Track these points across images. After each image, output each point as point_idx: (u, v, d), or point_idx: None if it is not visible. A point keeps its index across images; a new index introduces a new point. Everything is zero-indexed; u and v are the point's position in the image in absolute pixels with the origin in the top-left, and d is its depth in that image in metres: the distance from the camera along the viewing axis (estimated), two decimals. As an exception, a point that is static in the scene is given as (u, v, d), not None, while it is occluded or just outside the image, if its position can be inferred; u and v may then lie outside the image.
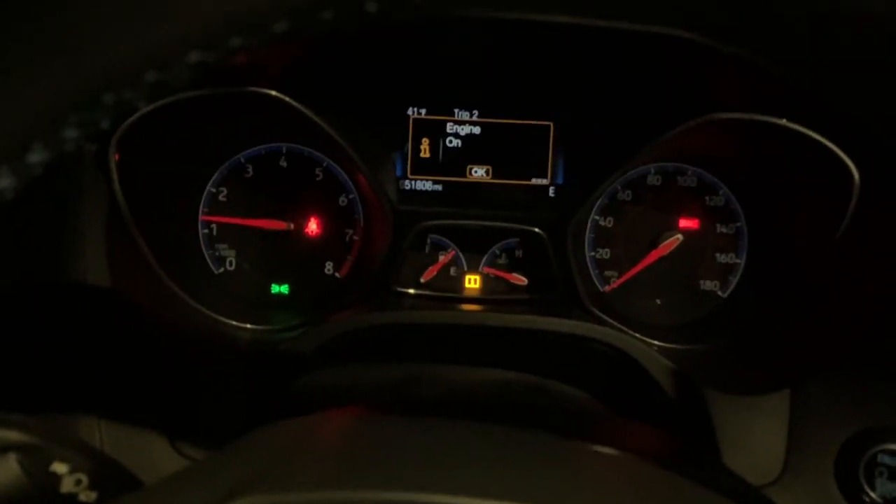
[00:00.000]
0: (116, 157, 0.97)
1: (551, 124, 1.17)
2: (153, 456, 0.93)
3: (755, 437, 0.95)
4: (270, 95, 1.00)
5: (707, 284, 1.22)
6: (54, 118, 0.35)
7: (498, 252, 1.20)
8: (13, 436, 0.60)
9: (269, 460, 0.56)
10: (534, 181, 1.19)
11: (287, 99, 1.01)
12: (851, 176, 0.98)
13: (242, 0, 0.32)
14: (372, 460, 0.57)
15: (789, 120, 0.97)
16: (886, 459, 0.88)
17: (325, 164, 1.21)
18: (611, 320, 1.12)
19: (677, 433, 0.93)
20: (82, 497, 0.63)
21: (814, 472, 0.92)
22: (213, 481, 0.51)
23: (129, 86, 0.35)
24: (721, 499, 0.58)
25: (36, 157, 0.36)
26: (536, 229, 1.13)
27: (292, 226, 1.21)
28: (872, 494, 0.88)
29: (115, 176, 0.99)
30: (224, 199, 1.21)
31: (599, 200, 1.20)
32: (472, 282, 1.21)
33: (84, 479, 0.64)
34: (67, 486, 0.63)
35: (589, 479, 0.59)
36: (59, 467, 0.63)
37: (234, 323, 1.14)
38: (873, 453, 0.88)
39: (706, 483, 0.61)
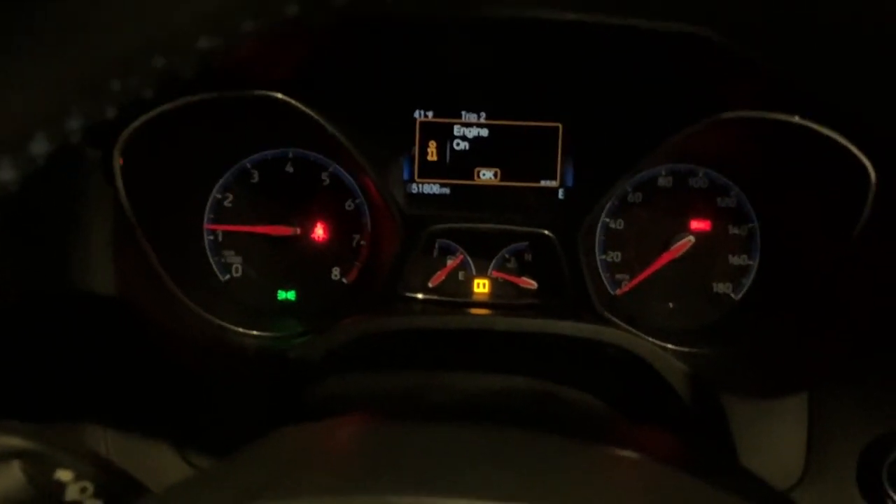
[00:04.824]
0: (121, 161, 0.96)
1: (560, 126, 1.15)
2: (160, 465, 0.92)
3: (774, 441, 0.94)
4: (276, 98, 0.99)
5: (720, 287, 1.20)
6: (57, 106, 0.34)
7: (507, 256, 1.19)
8: (16, 442, 0.59)
9: (281, 466, 0.54)
10: (543, 183, 1.17)
11: (293, 102, 1.00)
12: (868, 174, 0.96)
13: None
14: (385, 464, 0.56)
15: (802, 117, 0.95)
16: (911, 463, 0.86)
17: (331, 169, 1.20)
18: (622, 324, 1.10)
19: (694, 437, 0.92)
20: (87, 505, 0.62)
21: (835, 476, 0.91)
22: (224, 486, 0.50)
23: (135, 72, 0.34)
24: (743, 500, 0.56)
25: (38, 147, 0.35)
26: (546, 231, 1.11)
27: (299, 231, 1.19)
28: (896, 499, 0.86)
29: (119, 182, 0.97)
30: (229, 205, 1.20)
31: (609, 203, 1.18)
32: (481, 286, 1.19)
33: (89, 487, 0.62)
34: (72, 493, 0.61)
35: (607, 481, 0.58)
36: (64, 475, 0.61)
37: (240, 330, 1.12)
38: (896, 457, 0.86)
39: (727, 485, 0.60)
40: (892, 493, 0.86)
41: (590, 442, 0.65)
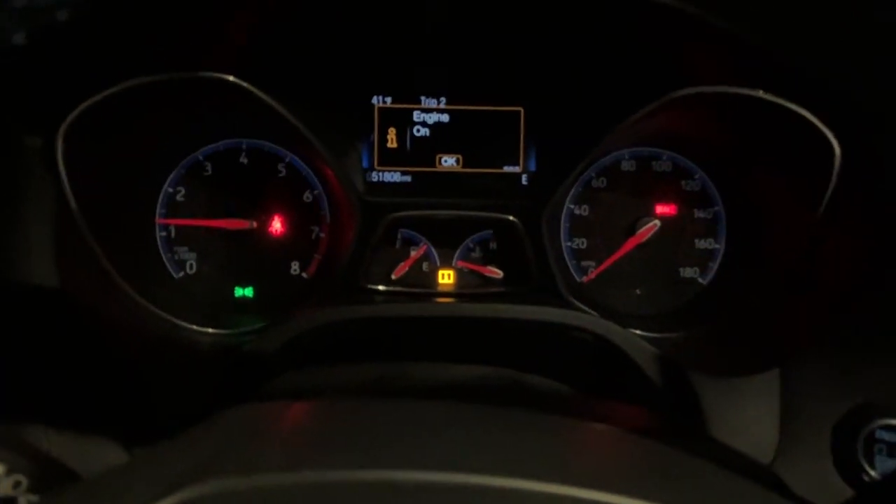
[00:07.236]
0: (63, 147, 0.91)
1: (521, 110, 1.13)
2: (105, 463, 0.86)
3: (746, 419, 0.92)
4: (228, 81, 0.95)
5: (687, 272, 1.19)
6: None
7: (471, 245, 1.16)
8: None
9: (233, 442, 0.50)
10: (506, 169, 1.15)
11: (246, 85, 0.96)
12: (832, 148, 0.95)
13: None
14: (339, 441, 0.52)
15: (766, 91, 0.94)
16: (885, 435, 0.84)
17: (287, 160, 1.16)
18: (590, 311, 1.08)
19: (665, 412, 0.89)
20: (22, 501, 0.57)
21: (809, 452, 0.89)
22: (176, 463, 0.46)
23: None
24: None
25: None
26: (511, 217, 1.08)
27: (255, 225, 1.15)
28: (872, 473, 0.84)
29: (62, 170, 0.92)
30: (182, 200, 1.15)
31: (574, 188, 1.16)
32: (446, 277, 1.16)
33: (23, 480, 0.57)
34: (4, 488, 0.56)
35: (579, 451, 0.55)
36: (-6, 468, 0.56)
37: (194, 328, 1.07)
38: (871, 430, 0.85)
39: (700, 451, 0.57)
40: (866, 466, 0.84)
41: (558, 413, 0.63)
